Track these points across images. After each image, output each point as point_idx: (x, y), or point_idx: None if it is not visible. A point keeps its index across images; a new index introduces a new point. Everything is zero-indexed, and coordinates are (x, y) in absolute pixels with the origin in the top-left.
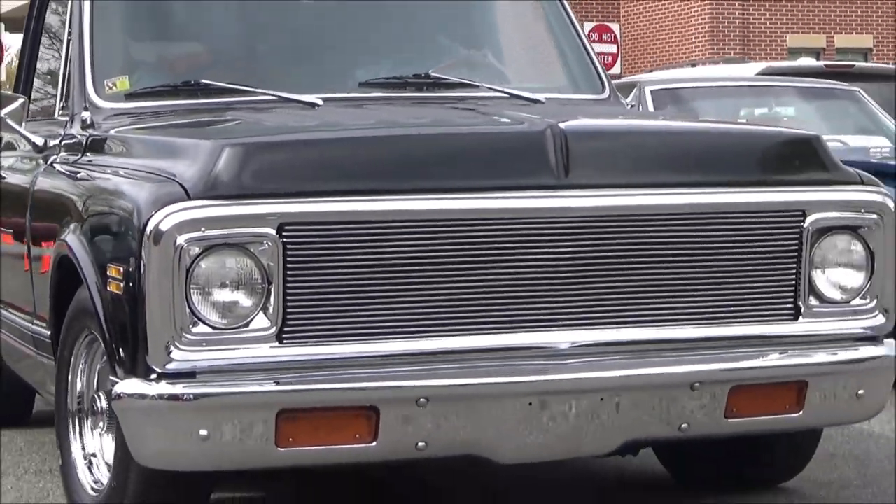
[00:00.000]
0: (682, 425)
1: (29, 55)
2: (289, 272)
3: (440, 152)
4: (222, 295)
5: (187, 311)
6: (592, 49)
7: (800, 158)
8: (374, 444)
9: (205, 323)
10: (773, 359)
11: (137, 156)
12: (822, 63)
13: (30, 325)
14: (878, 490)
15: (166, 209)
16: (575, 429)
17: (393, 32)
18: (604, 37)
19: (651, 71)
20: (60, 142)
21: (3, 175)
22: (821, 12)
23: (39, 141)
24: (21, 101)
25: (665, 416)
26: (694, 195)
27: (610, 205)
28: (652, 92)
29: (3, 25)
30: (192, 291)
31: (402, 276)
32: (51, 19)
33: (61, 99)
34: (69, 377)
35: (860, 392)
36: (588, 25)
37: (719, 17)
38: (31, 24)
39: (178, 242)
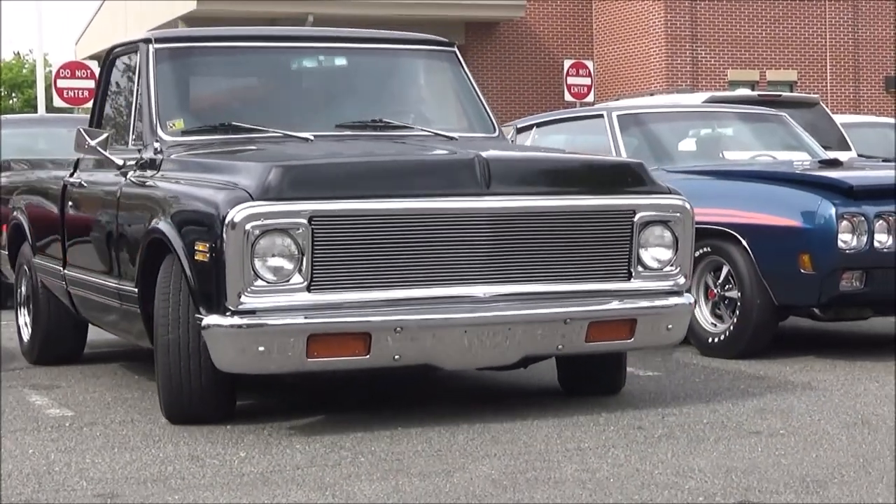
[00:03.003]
0: (559, 346)
1: (101, 98)
2: (315, 247)
3: (410, 171)
4: (273, 262)
5: (251, 271)
6: (486, 102)
7: (632, 177)
8: (368, 356)
9: (262, 279)
10: (615, 304)
11: (201, 172)
12: (756, 93)
13: (116, 284)
14: (800, 438)
15: (238, 206)
16: (491, 347)
17: (355, 92)
18: (580, 71)
19: (618, 99)
20: (137, 163)
21: (84, 184)
22: (755, 52)
23: (120, 162)
24: (106, 134)
25: (548, 340)
26: (567, 199)
27: (515, 205)
28: (618, 116)
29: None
30: (254, 259)
31: (386, 249)
32: (116, 74)
33: (132, 132)
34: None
35: (669, 326)
36: (567, 62)
37: (673, 56)
38: (103, 75)
39: (245, 228)
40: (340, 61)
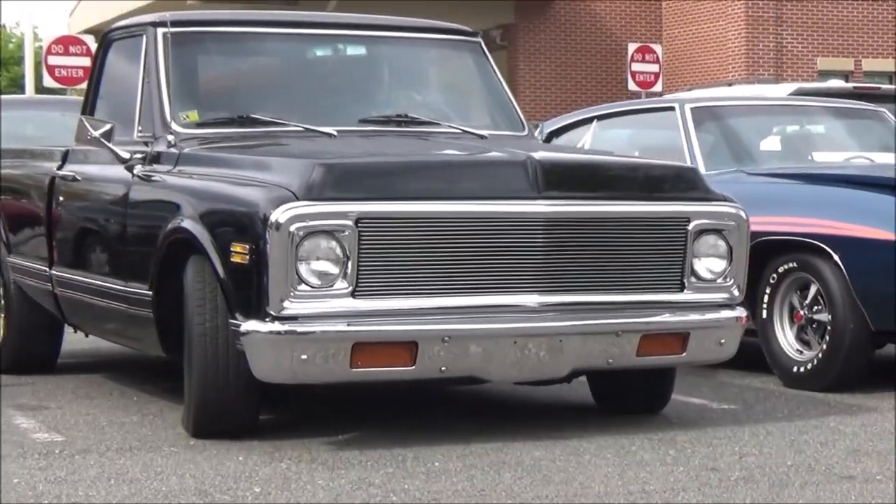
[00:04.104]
0: (609, 360)
1: (96, 84)
2: (361, 250)
3: (461, 172)
4: (317, 265)
5: (295, 275)
6: (513, 99)
7: (686, 183)
8: (414, 367)
9: (306, 283)
10: (667, 317)
11: (226, 168)
12: (850, 84)
13: (123, 287)
14: None
15: (283, 207)
16: (540, 360)
17: (374, 84)
18: (646, 57)
19: (690, 89)
20: (145, 157)
21: (78, 178)
22: (849, 37)
23: (126, 155)
24: (110, 125)
25: (599, 353)
26: (622, 206)
27: (569, 210)
28: (692, 109)
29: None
30: (298, 263)
31: (434, 254)
32: (115, 58)
33: (138, 123)
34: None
35: (722, 341)
36: (632, 46)
37: (754, 41)
38: (99, 58)
39: (290, 230)
40: (359, 50)
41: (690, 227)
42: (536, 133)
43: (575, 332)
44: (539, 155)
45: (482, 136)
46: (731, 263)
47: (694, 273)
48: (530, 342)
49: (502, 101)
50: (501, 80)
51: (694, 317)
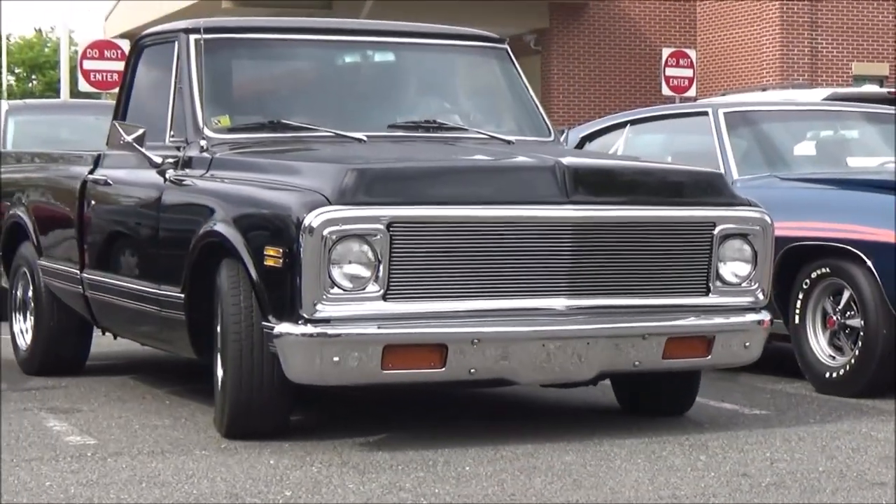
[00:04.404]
0: (636, 362)
1: (128, 89)
2: (393, 254)
3: (491, 177)
4: (350, 269)
5: (328, 279)
6: (540, 105)
7: (712, 188)
8: (444, 369)
9: (338, 287)
10: (692, 320)
11: (258, 172)
12: (885, 90)
13: (155, 290)
14: None
15: (315, 211)
16: (568, 362)
17: (405, 91)
18: (681, 61)
19: (724, 94)
20: (178, 161)
21: (110, 182)
22: (885, 42)
23: (158, 160)
24: (142, 130)
25: (626, 356)
26: (648, 210)
27: (598, 215)
28: (725, 114)
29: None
30: (331, 266)
31: (464, 258)
32: (146, 64)
33: (170, 128)
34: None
35: (747, 344)
36: (666, 51)
37: (789, 45)
38: (130, 64)
39: (323, 233)
40: (388, 57)
41: (716, 231)
42: (562, 139)
43: (602, 334)
44: (567, 160)
45: (509, 142)
46: (756, 267)
47: (719, 277)
48: (558, 345)
49: (528, 107)
50: (528, 86)
51: (719, 320)
